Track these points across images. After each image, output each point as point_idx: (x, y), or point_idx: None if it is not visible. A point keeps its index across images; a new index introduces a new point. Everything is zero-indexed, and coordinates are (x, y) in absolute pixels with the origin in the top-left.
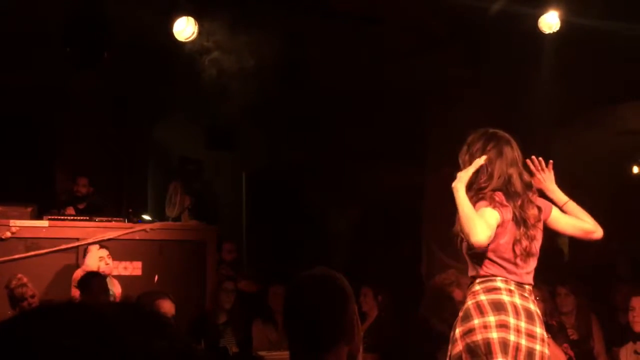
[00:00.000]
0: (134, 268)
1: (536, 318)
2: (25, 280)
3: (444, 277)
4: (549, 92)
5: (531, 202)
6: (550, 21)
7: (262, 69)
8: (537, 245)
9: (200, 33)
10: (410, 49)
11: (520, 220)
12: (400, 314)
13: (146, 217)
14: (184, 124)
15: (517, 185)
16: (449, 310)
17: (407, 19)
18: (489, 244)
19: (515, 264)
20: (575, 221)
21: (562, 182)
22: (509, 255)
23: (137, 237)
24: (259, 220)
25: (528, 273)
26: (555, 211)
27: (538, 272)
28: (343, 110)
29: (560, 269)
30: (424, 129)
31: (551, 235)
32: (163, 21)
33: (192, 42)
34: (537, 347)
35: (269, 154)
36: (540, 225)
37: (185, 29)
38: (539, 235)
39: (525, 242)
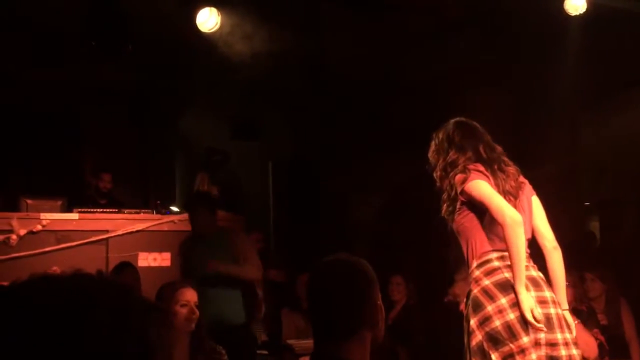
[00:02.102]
0: (162, 259)
1: (541, 282)
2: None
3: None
4: (575, 75)
5: (507, 173)
6: (576, 3)
7: (285, 59)
8: (525, 217)
9: (223, 24)
10: (429, 33)
11: (503, 191)
12: (428, 301)
13: (174, 208)
14: (210, 115)
15: (491, 155)
16: None
17: (425, 3)
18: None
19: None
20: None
21: (590, 167)
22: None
23: (166, 228)
24: (286, 210)
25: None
26: (535, 200)
27: (568, 257)
28: (367, 98)
29: (591, 253)
30: (445, 114)
31: (582, 219)
32: (186, 13)
33: (216, 33)
34: (552, 310)
35: (295, 143)
36: (523, 197)
37: (208, 20)
38: (527, 208)
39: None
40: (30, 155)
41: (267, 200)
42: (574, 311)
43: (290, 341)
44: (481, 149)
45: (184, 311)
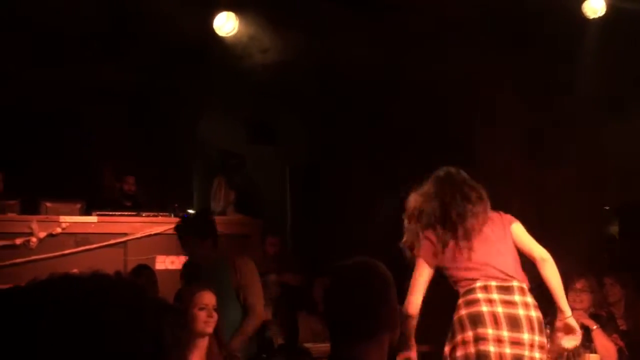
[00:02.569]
0: (180, 262)
1: (523, 324)
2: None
3: None
4: (595, 77)
5: (464, 219)
6: (595, 6)
7: (301, 62)
8: (493, 246)
9: (240, 27)
10: (451, 35)
11: (444, 245)
12: (448, 303)
13: (192, 211)
14: (226, 118)
15: (437, 213)
16: None
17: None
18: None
19: (477, 268)
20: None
21: (616, 165)
22: (463, 264)
23: None
24: (303, 213)
25: (502, 270)
26: (516, 227)
27: (587, 262)
28: (386, 98)
29: (612, 258)
30: (469, 113)
31: (602, 223)
32: (204, 17)
33: (233, 36)
34: (526, 352)
35: (311, 147)
36: (492, 230)
37: (225, 24)
38: (500, 237)
39: (466, 252)
40: (48, 158)
41: (284, 204)
42: (593, 316)
43: (306, 345)
44: (437, 211)
45: (202, 314)
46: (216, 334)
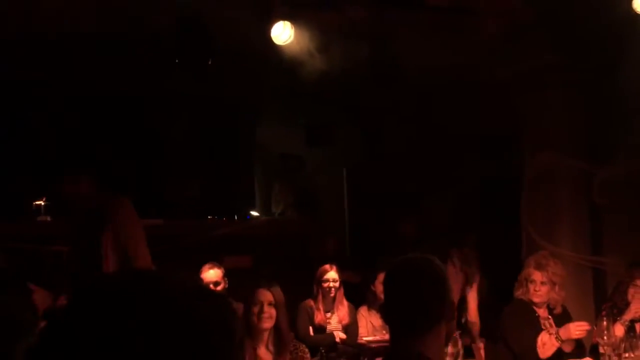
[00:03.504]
0: (244, 261)
1: None
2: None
3: (530, 259)
4: None
5: None
6: None
7: (356, 67)
8: None
9: (295, 36)
10: (500, 36)
11: None
12: (501, 299)
13: (254, 213)
14: (285, 123)
15: None
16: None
17: (496, 7)
18: None
19: None
20: None
21: None
22: None
23: (247, 232)
24: (360, 213)
25: None
26: None
27: None
28: (437, 100)
29: None
30: (518, 114)
31: None
32: (262, 27)
33: (289, 45)
34: None
35: (367, 149)
36: None
37: (282, 33)
38: None
39: None
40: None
41: (341, 204)
42: None
43: (366, 338)
44: None
45: (255, 310)
46: (278, 329)
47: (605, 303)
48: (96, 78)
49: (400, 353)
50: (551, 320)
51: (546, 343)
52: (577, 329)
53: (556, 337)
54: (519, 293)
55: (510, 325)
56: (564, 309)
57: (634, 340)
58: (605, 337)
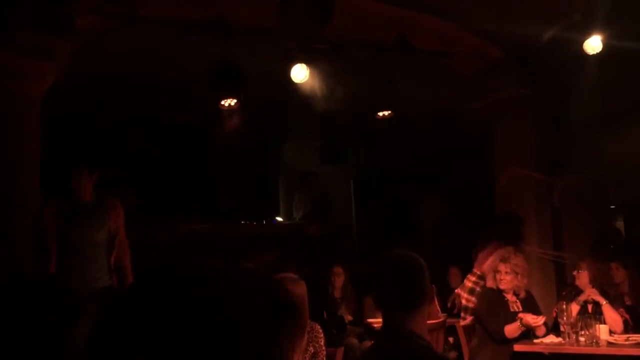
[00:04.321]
0: (270, 258)
1: None
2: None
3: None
4: (595, 100)
5: None
6: (593, 44)
7: (362, 99)
8: None
9: (311, 75)
10: (475, 72)
11: None
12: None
13: (279, 218)
14: (304, 145)
15: None
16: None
17: (472, 49)
18: None
19: None
20: None
21: (614, 176)
22: None
23: (272, 234)
24: (366, 217)
25: None
26: None
27: (599, 248)
28: (426, 124)
29: (617, 246)
30: (492, 135)
31: (609, 219)
32: (283, 68)
33: (306, 82)
34: None
35: (369, 165)
36: None
37: (299, 73)
38: None
39: None
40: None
41: (350, 211)
42: (603, 293)
43: (370, 320)
44: None
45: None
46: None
47: (565, 289)
48: (156, 107)
49: (393, 326)
50: (518, 303)
51: (512, 328)
52: (533, 320)
53: (520, 324)
54: (489, 283)
55: (483, 309)
56: (528, 293)
57: (588, 320)
58: (564, 317)
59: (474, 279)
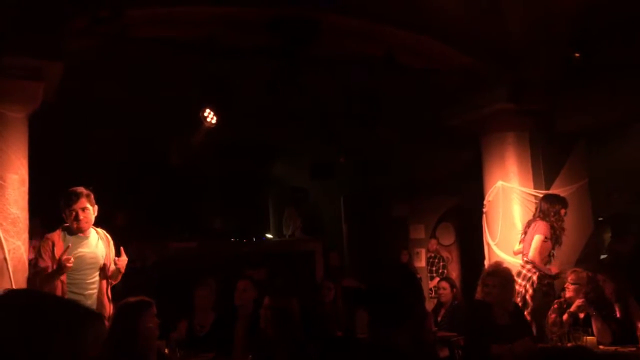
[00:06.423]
0: (260, 273)
1: None
2: None
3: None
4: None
5: None
6: None
7: (349, 118)
8: None
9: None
10: (462, 88)
11: None
12: (469, 301)
13: (269, 235)
14: (294, 162)
15: None
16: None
17: (458, 65)
18: None
19: None
20: None
21: (601, 189)
22: None
23: (263, 250)
24: (355, 232)
25: None
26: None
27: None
28: (414, 141)
29: (602, 259)
30: (478, 150)
31: (597, 231)
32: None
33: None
34: None
35: (359, 181)
36: None
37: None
38: None
39: None
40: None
41: (340, 226)
42: (592, 305)
43: (361, 335)
44: None
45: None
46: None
47: (555, 301)
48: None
49: (379, 342)
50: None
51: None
52: (520, 346)
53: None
54: (477, 295)
55: (468, 322)
56: (515, 305)
57: (575, 333)
58: (555, 328)
59: None
